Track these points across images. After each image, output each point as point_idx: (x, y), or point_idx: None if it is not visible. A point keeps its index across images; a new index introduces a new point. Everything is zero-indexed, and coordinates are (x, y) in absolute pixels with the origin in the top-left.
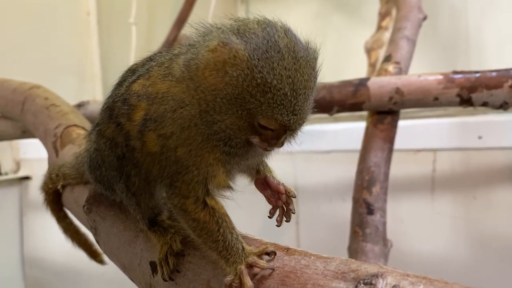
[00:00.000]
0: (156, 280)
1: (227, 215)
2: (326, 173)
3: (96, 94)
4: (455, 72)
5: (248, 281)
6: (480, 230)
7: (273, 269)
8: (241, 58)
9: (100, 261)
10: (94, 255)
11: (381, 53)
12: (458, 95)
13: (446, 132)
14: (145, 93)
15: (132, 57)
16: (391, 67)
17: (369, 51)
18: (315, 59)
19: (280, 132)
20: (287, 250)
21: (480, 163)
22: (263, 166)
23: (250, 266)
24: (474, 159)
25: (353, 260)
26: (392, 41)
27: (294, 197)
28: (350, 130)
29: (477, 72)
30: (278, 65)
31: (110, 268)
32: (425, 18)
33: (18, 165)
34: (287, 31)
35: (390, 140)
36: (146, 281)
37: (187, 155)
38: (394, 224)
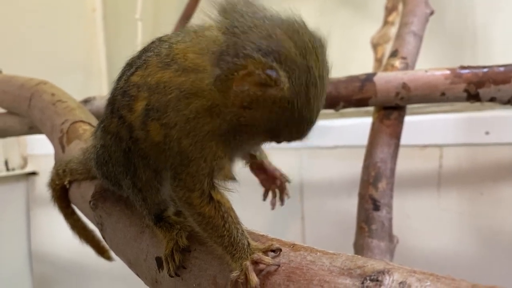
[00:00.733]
0: (162, 275)
1: (232, 210)
2: (332, 169)
3: (102, 90)
4: (462, 67)
5: (254, 277)
6: (487, 226)
7: (279, 265)
8: (285, 98)
9: (108, 258)
10: (101, 252)
11: (388, 48)
12: (465, 90)
13: (453, 127)
14: (145, 83)
15: None
16: (397, 62)
17: (375, 46)
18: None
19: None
20: (292, 246)
21: (487, 159)
22: (260, 151)
23: (255, 262)
24: (481, 155)
25: (359, 256)
26: (399, 36)
27: (289, 183)
28: (356, 126)
29: (484, 67)
30: (313, 99)
31: (117, 263)
32: (432, 13)
33: (25, 161)
34: (321, 55)
35: (397, 135)
36: (152, 276)
37: (192, 146)
38: (400, 220)
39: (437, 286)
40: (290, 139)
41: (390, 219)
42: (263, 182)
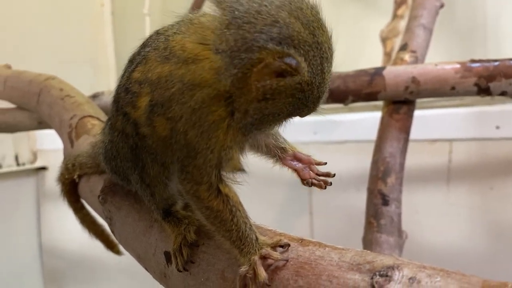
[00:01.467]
0: (170, 270)
1: (240, 204)
2: (341, 164)
3: (110, 85)
4: (473, 61)
5: (262, 272)
6: (497, 221)
7: (287, 260)
8: (306, 81)
9: (117, 252)
10: (111, 246)
11: (397, 42)
12: (476, 84)
13: (462, 122)
14: (146, 79)
15: None
16: (407, 56)
17: (384, 40)
18: None
19: None
20: (301, 241)
21: (498, 153)
22: (286, 143)
23: (264, 257)
24: (491, 149)
25: (368, 251)
26: (408, 29)
27: (325, 164)
28: (365, 120)
29: (495, 60)
30: (327, 71)
31: (126, 257)
32: (442, 6)
33: (34, 156)
34: (322, 24)
35: (406, 130)
36: (160, 270)
37: (198, 137)
38: (409, 215)
39: (447, 281)
40: (307, 114)
41: (399, 214)
42: (300, 173)
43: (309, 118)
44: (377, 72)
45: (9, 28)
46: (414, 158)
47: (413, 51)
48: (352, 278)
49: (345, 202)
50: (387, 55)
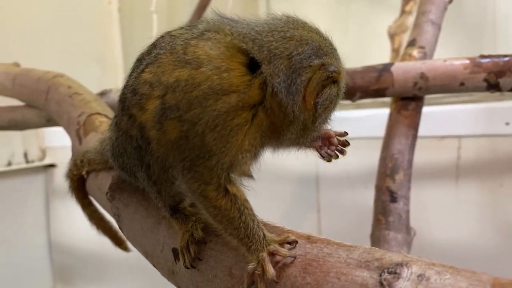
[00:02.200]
0: (178, 267)
1: (248, 202)
2: (349, 161)
3: (118, 83)
4: (482, 56)
5: (270, 269)
6: (506, 218)
7: (295, 257)
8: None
9: (125, 249)
10: (118, 243)
11: (405, 38)
12: (485, 80)
13: (471, 118)
14: (158, 81)
15: None
16: (415, 52)
17: (392, 36)
18: None
19: None
20: (309, 238)
21: (507, 150)
22: None
23: (271, 254)
24: (501, 146)
25: (376, 248)
26: (417, 25)
27: (346, 134)
28: (373, 117)
29: (505, 56)
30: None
31: (134, 254)
32: (450, 1)
33: (43, 153)
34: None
35: (414, 126)
36: (168, 267)
37: (217, 140)
38: (418, 212)
39: (457, 279)
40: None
41: (408, 211)
42: (319, 149)
43: None
44: (385, 68)
45: (17, 27)
46: (423, 155)
47: (422, 47)
48: (360, 275)
49: (353, 199)
50: (395, 51)
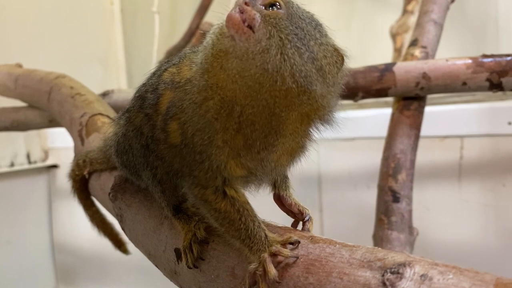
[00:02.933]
0: (181, 267)
1: (248, 203)
2: (351, 161)
3: (120, 83)
4: (485, 56)
5: (272, 269)
6: (509, 218)
7: (297, 257)
8: None
9: (125, 251)
10: (119, 244)
11: (407, 38)
12: (488, 80)
13: (474, 118)
14: (171, 80)
15: (156, 46)
16: (417, 52)
17: (394, 36)
18: None
19: None
20: (311, 238)
21: (510, 150)
22: (283, 182)
23: (273, 254)
24: (503, 146)
25: (379, 248)
26: (419, 24)
27: (307, 220)
28: (375, 117)
29: (508, 55)
30: None
31: (137, 254)
32: (452, 0)
33: (46, 154)
34: None
35: (417, 126)
36: (171, 268)
37: (202, 140)
38: (420, 212)
39: (460, 279)
40: None
41: (410, 211)
42: (287, 213)
43: None
44: (387, 68)
45: (19, 28)
46: (425, 155)
47: (424, 47)
48: (363, 275)
49: (355, 199)
50: (397, 51)
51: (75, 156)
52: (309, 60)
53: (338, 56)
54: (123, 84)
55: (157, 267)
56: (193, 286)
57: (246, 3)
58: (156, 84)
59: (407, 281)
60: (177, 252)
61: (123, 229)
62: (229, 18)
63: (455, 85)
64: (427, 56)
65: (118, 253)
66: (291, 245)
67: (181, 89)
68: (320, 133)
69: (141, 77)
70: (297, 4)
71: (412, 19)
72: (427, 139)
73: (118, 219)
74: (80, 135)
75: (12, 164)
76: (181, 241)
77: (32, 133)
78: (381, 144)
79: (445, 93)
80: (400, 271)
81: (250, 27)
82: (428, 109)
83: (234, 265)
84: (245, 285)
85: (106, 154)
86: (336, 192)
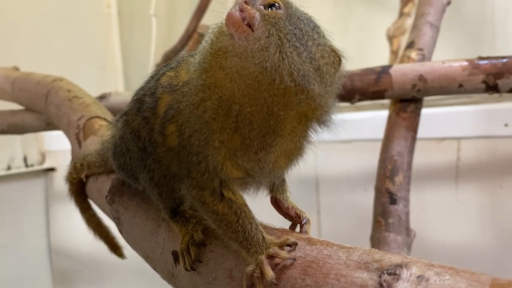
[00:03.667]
0: (178, 269)
1: (246, 205)
2: (348, 163)
3: (117, 86)
4: (481, 58)
5: (269, 271)
6: (506, 219)
7: (295, 259)
8: None
9: (120, 255)
10: (114, 248)
11: (404, 40)
12: (484, 82)
13: (470, 120)
14: (169, 84)
15: (153, 48)
16: (414, 54)
17: (391, 38)
18: None
19: None
20: (308, 240)
21: (507, 151)
22: (280, 186)
23: (271, 256)
24: (500, 147)
25: (376, 250)
26: (415, 27)
27: (304, 223)
28: (372, 119)
29: (503, 57)
30: None
31: (134, 257)
32: (449, 3)
33: (43, 157)
34: None
35: (413, 128)
36: (168, 270)
37: (199, 141)
38: (418, 213)
39: (456, 280)
40: None
41: (407, 213)
42: (284, 216)
43: None
44: (384, 70)
45: (16, 30)
46: (422, 157)
47: (420, 49)
48: (360, 277)
49: (353, 201)
50: (394, 53)
51: (72, 159)
52: (307, 60)
53: (336, 56)
54: (120, 87)
55: (155, 269)
56: None
57: (246, 2)
58: (154, 88)
59: (404, 282)
60: (175, 254)
61: (120, 232)
62: (229, 17)
63: (451, 87)
64: (424, 58)
65: (115, 257)
66: (288, 247)
67: (178, 92)
68: (318, 135)
69: (138, 80)
70: (296, 6)
71: (409, 22)
72: (424, 141)
73: (115, 222)
74: (77, 138)
75: (9, 168)
76: (179, 244)
77: (29, 136)
78: (378, 146)
79: (442, 95)
80: (397, 272)
81: (250, 25)
82: (424, 111)
83: (231, 267)
84: (243, 287)
85: (104, 157)
86: (334, 194)
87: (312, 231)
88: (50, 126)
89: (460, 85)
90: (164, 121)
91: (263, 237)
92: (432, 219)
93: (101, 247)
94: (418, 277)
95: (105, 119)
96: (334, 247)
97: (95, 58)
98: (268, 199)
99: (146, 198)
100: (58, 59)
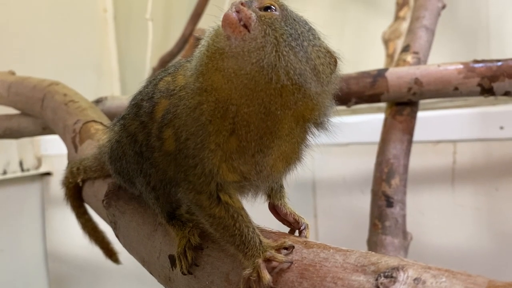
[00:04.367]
0: (175, 273)
1: (243, 209)
2: (345, 166)
3: (114, 90)
4: (476, 61)
5: (266, 275)
6: (502, 222)
7: (292, 263)
8: None
9: (116, 261)
10: (110, 254)
11: (399, 44)
12: (479, 85)
13: (466, 123)
14: (166, 88)
15: (149, 53)
16: (409, 57)
17: (386, 41)
18: None
19: None
20: (305, 243)
21: (502, 154)
22: (278, 191)
23: (268, 260)
24: (495, 150)
25: (373, 253)
26: (411, 30)
27: (301, 229)
28: (369, 122)
29: (498, 60)
30: None
31: (130, 261)
32: (444, 6)
33: (39, 161)
34: None
35: (409, 131)
36: (165, 274)
37: (195, 144)
38: (414, 216)
39: (452, 282)
40: None
41: (404, 216)
42: (282, 222)
43: None
44: (380, 74)
45: (12, 35)
46: (418, 160)
47: (416, 52)
48: (357, 280)
49: (350, 204)
50: (390, 56)
51: (68, 164)
52: (303, 59)
53: (331, 58)
54: (117, 91)
55: (152, 274)
56: None
57: (242, 4)
58: (152, 93)
59: (400, 285)
60: (171, 258)
61: (117, 236)
62: (226, 18)
63: (447, 90)
64: (419, 61)
65: (111, 262)
66: (285, 250)
67: (175, 96)
68: (315, 139)
69: (134, 84)
70: (291, 9)
71: (404, 25)
72: (420, 144)
73: (112, 226)
74: (73, 142)
75: (5, 172)
76: (175, 248)
77: (25, 140)
78: (375, 149)
79: (437, 98)
80: (394, 275)
81: (246, 26)
82: (420, 114)
83: (228, 271)
84: None
85: (100, 161)
86: (331, 197)
87: (310, 235)
88: (46, 130)
89: (456, 88)
90: (161, 125)
91: (260, 241)
92: (428, 222)
93: (97, 252)
94: (414, 279)
95: (101, 123)
96: (331, 250)
97: (91, 62)
98: (265, 203)
99: (142, 202)
100: (54, 63)
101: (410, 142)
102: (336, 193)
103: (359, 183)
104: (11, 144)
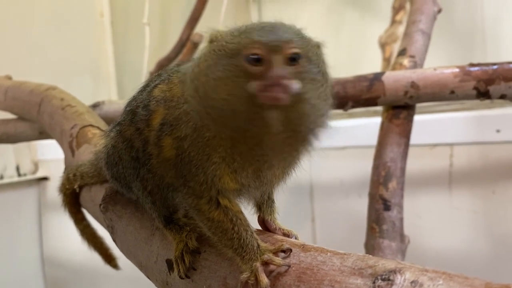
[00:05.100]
0: (172, 277)
1: (241, 213)
2: (342, 170)
3: (111, 94)
4: (472, 65)
5: (263, 278)
6: (499, 225)
7: (289, 266)
8: None
9: (115, 266)
10: (109, 259)
11: (396, 48)
12: (475, 88)
13: (463, 126)
14: (163, 98)
15: (146, 57)
16: (406, 61)
17: (383, 45)
18: None
19: (269, 59)
20: (303, 246)
21: (499, 157)
22: (268, 206)
23: (265, 263)
24: (492, 153)
25: (370, 256)
26: (407, 34)
27: (287, 248)
28: (365, 126)
29: (494, 64)
30: None
31: (128, 266)
32: (440, 10)
33: (36, 166)
34: None
35: (406, 135)
36: (162, 279)
37: (198, 155)
38: (411, 220)
39: (449, 285)
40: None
41: (401, 219)
42: None
43: None
44: (376, 78)
45: (9, 39)
46: (415, 163)
47: (412, 56)
48: (354, 283)
49: (347, 208)
50: (386, 60)
51: (65, 170)
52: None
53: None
54: (114, 95)
55: (149, 278)
56: None
57: (280, 77)
58: (147, 100)
59: None
60: (169, 262)
61: (114, 240)
62: (275, 99)
63: (443, 94)
64: (416, 65)
65: (109, 266)
66: (283, 254)
67: (175, 109)
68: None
69: (131, 88)
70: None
71: (401, 29)
72: (417, 147)
73: (109, 231)
74: (70, 147)
75: (1, 177)
76: (173, 252)
77: (22, 145)
78: (372, 153)
79: (434, 102)
80: (391, 278)
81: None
82: (417, 117)
83: (226, 275)
84: None
85: (97, 167)
86: (328, 201)
87: (307, 238)
88: (43, 135)
89: (452, 92)
90: (159, 134)
91: (258, 244)
92: (425, 225)
93: (94, 256)
94: (411, 282)
95: (98, 128)
96: (329, 253)
97: (88, 67)
98: (254, 215)
99: (140, 206)
100: (51, 68)
101: (407, 145)
102: (334, 196)
103: (356, 187)
104: (7, 149)
